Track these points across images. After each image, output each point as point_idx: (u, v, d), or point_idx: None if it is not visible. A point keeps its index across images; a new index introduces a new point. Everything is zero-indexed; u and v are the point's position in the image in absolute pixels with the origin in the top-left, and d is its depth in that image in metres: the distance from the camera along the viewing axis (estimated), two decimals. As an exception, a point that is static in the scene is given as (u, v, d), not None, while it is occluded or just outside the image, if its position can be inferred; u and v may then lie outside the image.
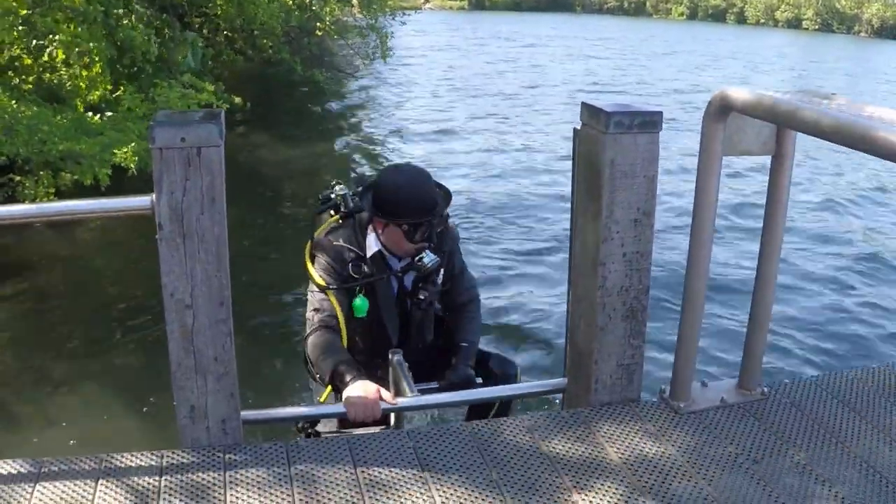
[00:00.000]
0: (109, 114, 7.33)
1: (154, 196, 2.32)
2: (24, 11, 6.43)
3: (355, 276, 3.15)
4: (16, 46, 7.08)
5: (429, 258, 3.12)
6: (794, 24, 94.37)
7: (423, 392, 3.06)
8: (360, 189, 3.30)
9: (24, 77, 7.27)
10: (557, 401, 3.43)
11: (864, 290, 7.69)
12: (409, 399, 2.96)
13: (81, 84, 7.27)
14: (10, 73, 7.02)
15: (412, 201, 3.08)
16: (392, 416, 3.07)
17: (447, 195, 3.26)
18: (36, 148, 5.93)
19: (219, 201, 2.35)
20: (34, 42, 6.95)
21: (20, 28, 6.59)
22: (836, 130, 1.95)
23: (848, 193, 12.27)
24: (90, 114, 7.25)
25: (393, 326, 3.29)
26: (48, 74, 7.35)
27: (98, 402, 4.87)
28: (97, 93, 7.17)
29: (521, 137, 15.33)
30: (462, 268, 3.47)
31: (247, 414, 2.65)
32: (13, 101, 6.32)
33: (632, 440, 2.63)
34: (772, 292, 2.77)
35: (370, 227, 3.21)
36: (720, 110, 2.44)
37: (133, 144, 6.85)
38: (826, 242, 9.42)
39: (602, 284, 2.70)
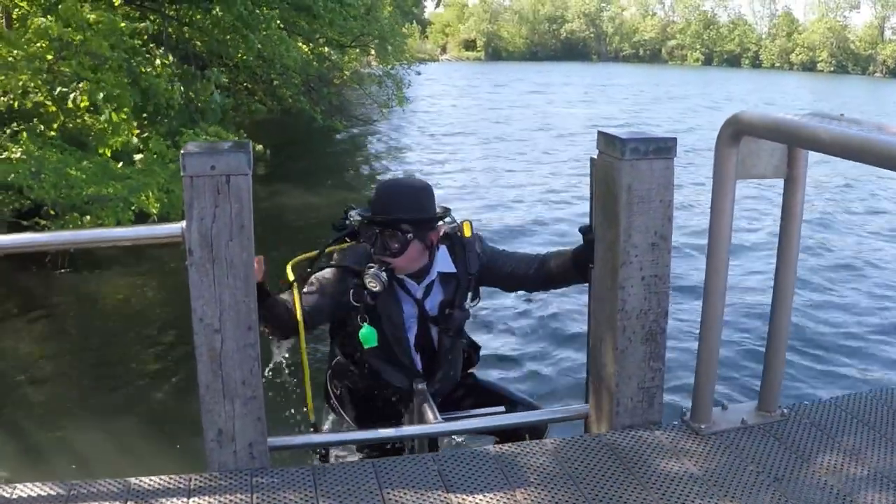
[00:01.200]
0: (139, 157, 7.47)
1: (184, 223, 2.41)
2: (51, 57, 6.59)
3: (356, 303, 3.01)
4: (39, 93, 7.25)
5: (373, 272, 2.96)
6: (809, 66, 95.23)
7: (447, 420, 3.09)
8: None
9: (48, 124, 7.41)
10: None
11: (884, 311, 7.69)
12: (434, 425, 2.99)
13: (107, 129, 7.42)
14: (35, 120, 7.17)
15: (387, 196, 3.05)
16: (416, 442, 3.11)
17: (441, 213, 3.17)
18: (64, 192, 6.05)
19: (247, 228, 2.42)
20: (58, 90, 7.13)
21: (44, 76, 6.75)
22: (847, 147, 2.00)
23: (862, 212, 12.52)
24: (113, 161, 7.40)
25: (404, 351, 3.21)
26: (74, 121, 7.49)
27: (126, 426, 4.93)
28: (121, 139, 7.30)
29: (534, 174, 15.80)
30: (508, 257, 3.32)
31: (273, 440, 2.70)
32: (38, 148, 6.47)
33: (654, 462, 2.65)
34: (789, 313, 2.81)
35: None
36: (733, 134, 2.51)
37: (156, 190, 6.99)
38: (843, 262, 9.52)
39: (621, 308, 2.75)
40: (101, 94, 7.05)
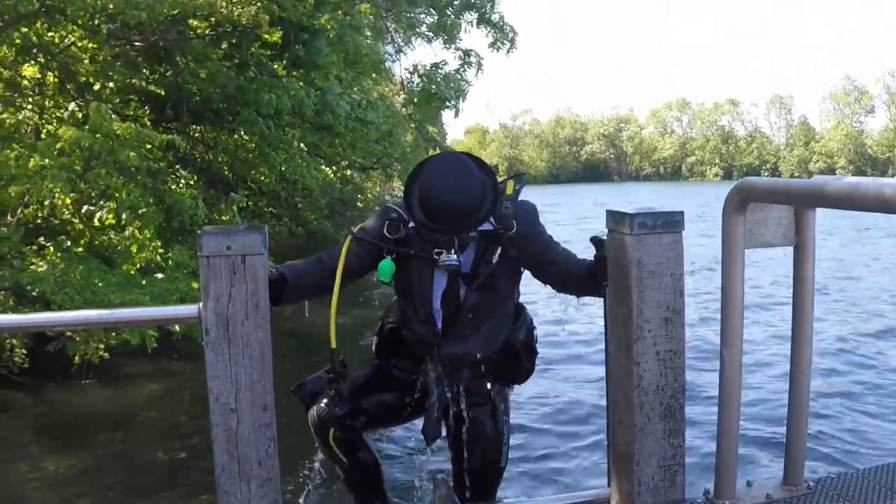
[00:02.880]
0: (160, 276, 7.59)
1: (201, 304, 2.45)
2: (79, 166, 6.77)
3: (389, 235, 3.06)
4: (67, 212, 7.45)
5: (448, 258, 2.96)
6: (829, 173, 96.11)
7: None
8: (413, 171, 3.10)
9: (75, 241, 7.57)
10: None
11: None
12: None
13: (133, 248, 7.57)
14: (62, 236, 7.34)
15: (438, 210, 2.90)
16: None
17: (495, 199, 2.97)
18: (88, 299, 6.14)
19: (262, 307, 2.46)
20: (84, 208, 7.32)
21: (72, 193, 6.95)
22: (856, 197, 2.03)
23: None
24: (138, 274, 7.53)
25: (425, 303, 3.13)
26: (100, 238, 7.66)
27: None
28: (145, 255, 7.45)
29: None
30: (548, 248, 3.16)
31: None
32: (63, 262, 6.60)
33: (679, 541, 2.59)
34: (808, 384, 2.77)
35: None
36: (739, 202, 2.54)
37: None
38: (859, 329, 9.49)
39: (638, 384, 2.73)
40: (126, 213, 7.21)
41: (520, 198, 3.12)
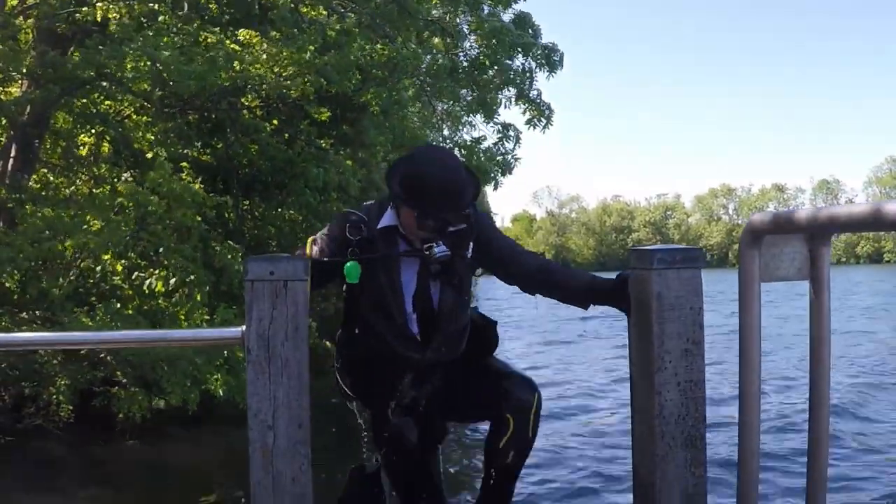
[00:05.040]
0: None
1: (244, 326, 2.62)
2: (133, 226, 7.02)
3: (350, 236, 3.03)
4: (117, 278, 7.71)
5: (439, 249, 3.00)
6: (876, 258, 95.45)
7: None
8: (394, 162, 3.17)
9: (125, 304, 7.78)
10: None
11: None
12: None
13: (181, 315, 7.77)
14: (113, 300, 7.55)
15: (435, 191, 2.97)
16: None
17: (476, 189, 3.12)
18: (135, 359, 6.35)
19: (302, 329, 2.63)
20: (135, 275, 7.58)
21: (123, 261, 7.22)
22: (865, 217, 2.16)
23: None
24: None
25: (398, 306, 3.11)
26: (148, 304, 7.87)
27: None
28: (195, 316, 7.63)
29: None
30: (512, 246, 3.29)
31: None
32: (111, 322, 6.82)
33: (700, 569, 2.64)
34: (827, 420, 2.81)
35: (391, 204, 3.13)
36: (753, 235, 2.66)
37: (222, 374, 7.24)
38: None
39: (659, 413, 2.83)
40: (175, 279, 7.43)
41: None
